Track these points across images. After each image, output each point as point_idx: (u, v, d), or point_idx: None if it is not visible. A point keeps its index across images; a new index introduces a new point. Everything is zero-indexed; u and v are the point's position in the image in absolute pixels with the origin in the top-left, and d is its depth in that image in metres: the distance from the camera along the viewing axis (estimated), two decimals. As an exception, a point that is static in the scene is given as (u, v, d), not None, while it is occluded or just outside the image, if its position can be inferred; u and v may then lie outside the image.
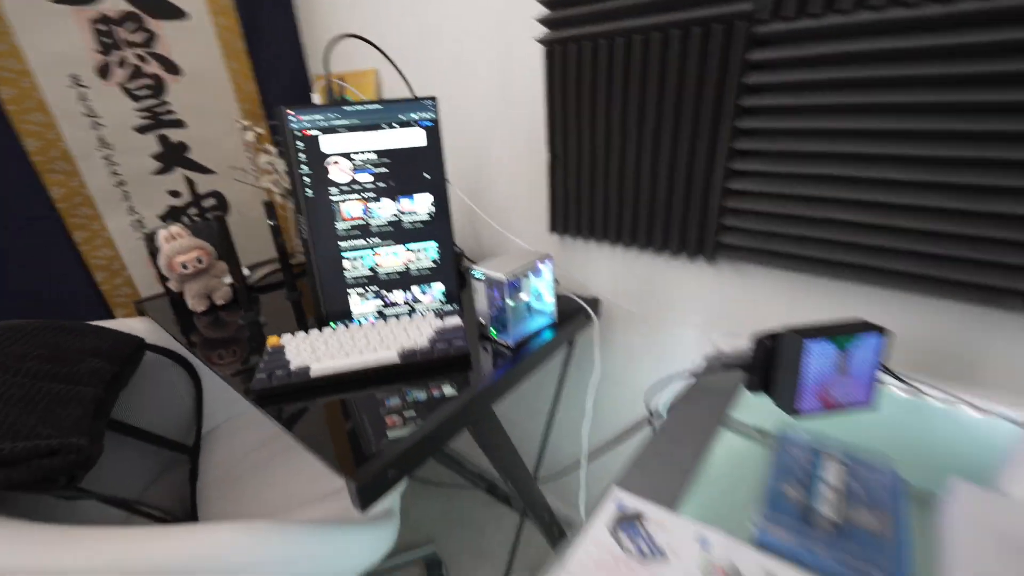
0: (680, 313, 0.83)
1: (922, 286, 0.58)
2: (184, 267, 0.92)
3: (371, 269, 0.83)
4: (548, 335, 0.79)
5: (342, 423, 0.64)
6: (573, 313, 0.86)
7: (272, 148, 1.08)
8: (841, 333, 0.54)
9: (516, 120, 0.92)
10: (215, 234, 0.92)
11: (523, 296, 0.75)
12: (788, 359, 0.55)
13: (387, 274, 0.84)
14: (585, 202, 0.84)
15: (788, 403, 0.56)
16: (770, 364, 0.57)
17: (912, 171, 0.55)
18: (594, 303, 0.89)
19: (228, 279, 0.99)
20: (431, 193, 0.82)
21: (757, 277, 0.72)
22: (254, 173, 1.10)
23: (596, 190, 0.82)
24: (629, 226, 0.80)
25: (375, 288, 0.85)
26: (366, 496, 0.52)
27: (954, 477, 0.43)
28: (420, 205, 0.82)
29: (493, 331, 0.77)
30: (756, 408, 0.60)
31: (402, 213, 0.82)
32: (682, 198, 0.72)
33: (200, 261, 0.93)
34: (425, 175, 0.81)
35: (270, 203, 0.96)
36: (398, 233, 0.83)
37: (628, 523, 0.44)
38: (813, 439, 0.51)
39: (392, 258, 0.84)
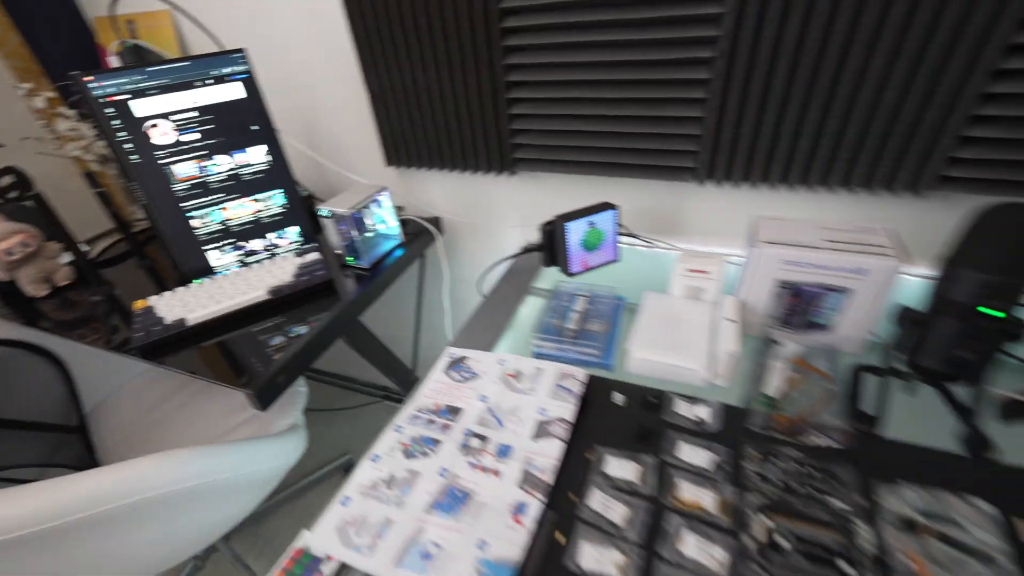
0: (501, 217, 1.03)
1: (639, 172, 0.83)
2: (9, 254, 0.88)
3: (221, 223, 0.89)
4: (398, 253, 0.95)
5: (231, 356, 0.76)
6: (419, 233, 1.02)
7: (69, 112, 1.01)
8: (589, 212, 0.78)
9: (334, 63, 0.99)
10: (36, 214, 0.89)
11: (369, 224, 0.89)
12: (560, 237, 0.78)
13: (239, 226, 0.91)
14: (409, 135, 0.97)
15: (565, 269, 0.80)
16: (552, 243, 0.80)
17: (624, 91, 0.77)
18: (436, 221, 1.05)
19: (66, 258, 0.96)
20: (264, 144, 0.88)
21: (546, 181, 0.94)
22: (55, 142, 1.02)
23: (416, 124, 0.95)
24: (448, 153, 0.96)
25: (231, 240, 0.91)
26: (264, 398, 0.67)
27: (647, 290, 0.70)
28: (255, 156, 0.88)
29: (350, 259, 0.90)
30: (550, 276, 0.84)
31: (239, 167, 0.88)
32: (480, 125, 0.89)
33: (26, 245, 0.90)
34: (253, 127, 0.86)
35: (90, 173, 0.93)
36: (240, 186, 0.89)
37: (456, 364, 0.65)
38: (572, 287, 0.76)
39: (241, 210, 0.90)
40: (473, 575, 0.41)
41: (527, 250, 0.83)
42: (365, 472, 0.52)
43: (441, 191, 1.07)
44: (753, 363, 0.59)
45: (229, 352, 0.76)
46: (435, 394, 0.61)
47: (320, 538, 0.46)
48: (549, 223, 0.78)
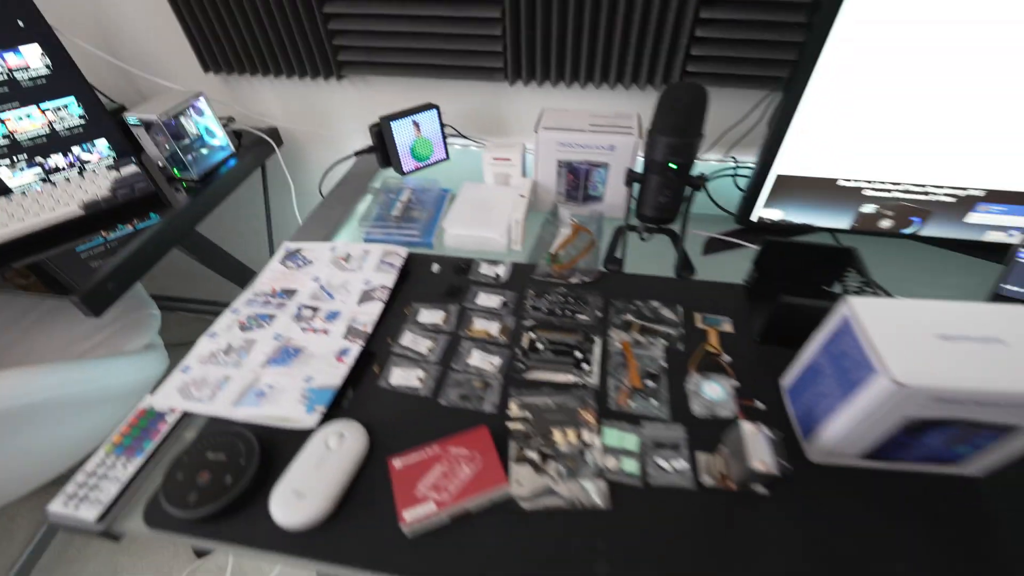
0: (340, 123, 1.05)
1: (457, 73, 0.90)
2: None
3: (5, 136, 0.80)
4: (231, 164, 0.93)
5: (51, 270, 0.73)
6: (255, 143, 1.00)
7: None
8: (412, 112, 0.84)
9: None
10: None
11: (190, 133, 0.86)
12: (389, 137, 0.83)
13: (30, 139, 0.82)
14: (224, 39, 0.92)
15: (399, 168, 0.87)
16: (383, 144, 0.86)
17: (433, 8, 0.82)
18: (273, 132, 1.04)
19: None
20: (38, 43, 0.78)
21: (376, 85, 0.97)
22: None
23: (228, 26, 0.90)
24: (269, 57, 0.93)
25: (23, 156, 0.83)
26: (93, 304, 0.67)
27: (468, 181, 0.80)
28: (31, 58, 0.78)
29: (176, 171, 0.87)
30: (387, 176, 0.90)
31: (12, 71, 0.78)
32: (297, 26, 0.88)
33: None
34: (19, 22, 0.76)
35: None
36: (19, 93, 0.79)
37: (292, 255, 0.71)
38: (400, 183, 0.83)
39: (28, 121, 0.81)
40: (299, 399, 0.51)
41: (358, 153, 0.88)
42: (203, 345, 0.58)
43: (275, 100, 1.04)
44: (543, 231, 0.73)
45: (48, 267, 0.73)
46: (271, 281, 0.67)
47: (162, 398, 0.52)
48: (376, 124, 0.83)
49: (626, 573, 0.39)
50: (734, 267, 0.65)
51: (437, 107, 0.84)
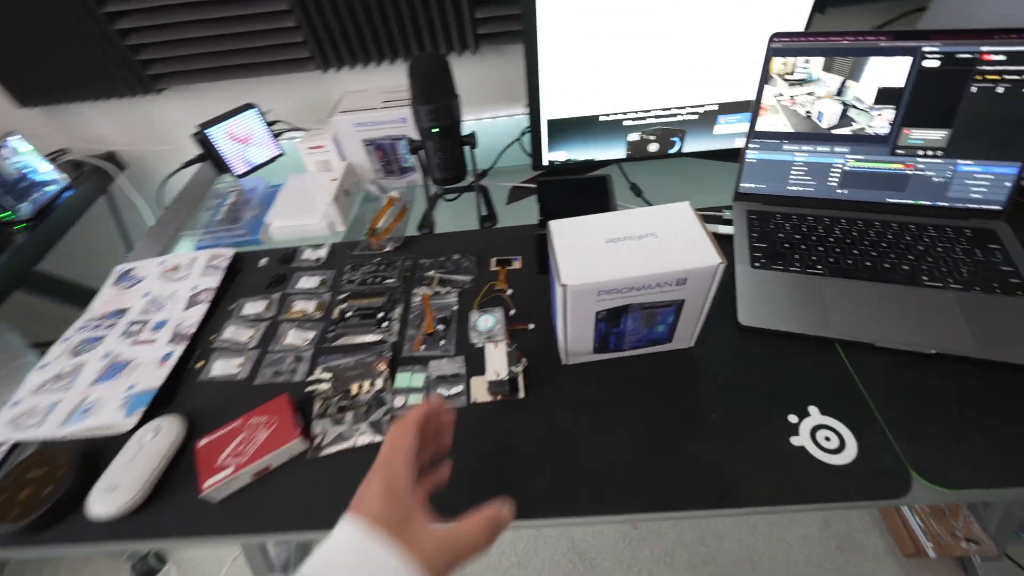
0: (173, 134, 1.04)
1: (272, 69, 0.92)
2: None
3: None
4: (68, 195, 0.93)
5: None
6: (93, 171, 0.99)
7: None
8: (229, 116, 0.86)
9: None
10: None
11: (11, 174, 0.85)
12: (208, 147, 0.85)
13: None
14: (32, 70, 0.90)
15: (232, 171, 0.89)
16: (210, 151, 0.87)
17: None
18: (111, 156, 1.03)
19: None
20: None
21: (199, 93, 0.98)
22: None
23: (32, 56, 0.88)
24: (86, 82, 0.92)
25: None
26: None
27: (294, 173, 0.83)
28: None
29: (4, 214, 0.87)
30: (222, 180, 0.92)
31: None
32: (99, 50, 0.87)
33: None
34: None
35: None
36: None
37: (123, 277, 0.74)
38: (225, 186, 0.86)
39: None
40: (120, 406, 0.56)
41: (188, 163, 0.89)
42: (33, 378, 0.61)
43: (107, 124, 1.03)
44: (363, 208, 0.78)
45: None
46: (103, 305, 0.70)
47: (-9, 433, 0.56)
48: (196, 133, 0.85)
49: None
50: (536, 211, 0.72)
51: (255, 106, 0.86)
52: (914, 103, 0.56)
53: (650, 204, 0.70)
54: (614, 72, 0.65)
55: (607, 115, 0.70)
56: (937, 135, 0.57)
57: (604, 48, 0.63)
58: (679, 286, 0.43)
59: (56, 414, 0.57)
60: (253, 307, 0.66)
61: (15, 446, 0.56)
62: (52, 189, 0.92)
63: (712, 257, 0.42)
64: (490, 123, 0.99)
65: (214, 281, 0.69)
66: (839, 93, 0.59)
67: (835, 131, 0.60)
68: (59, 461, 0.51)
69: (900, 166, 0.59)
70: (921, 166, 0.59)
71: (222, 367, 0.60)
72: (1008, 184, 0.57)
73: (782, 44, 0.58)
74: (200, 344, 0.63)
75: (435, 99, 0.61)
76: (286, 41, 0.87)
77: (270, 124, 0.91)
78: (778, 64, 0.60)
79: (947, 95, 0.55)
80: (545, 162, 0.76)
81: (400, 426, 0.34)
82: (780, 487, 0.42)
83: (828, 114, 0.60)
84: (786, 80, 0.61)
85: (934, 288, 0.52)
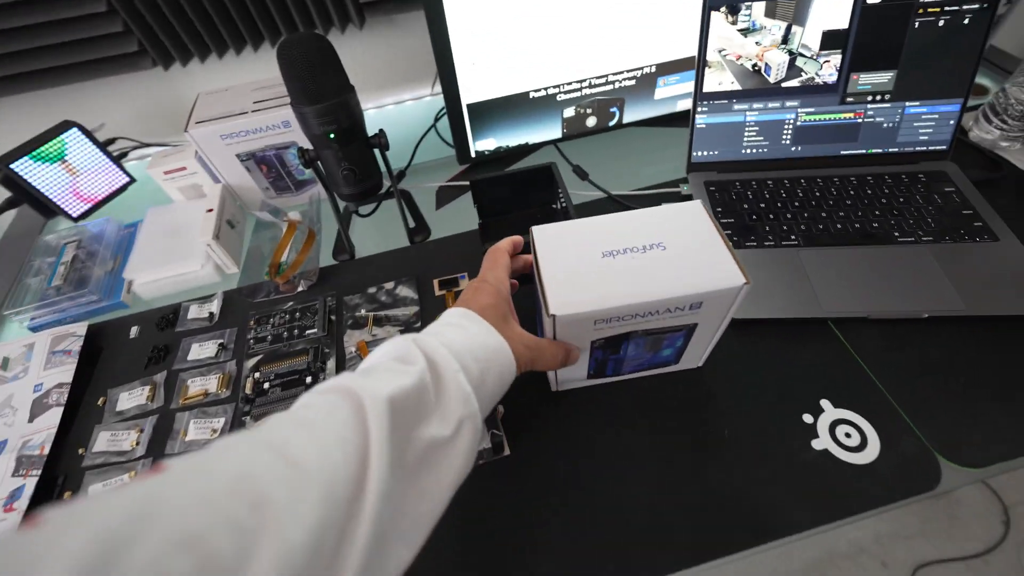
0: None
1: (95, 70, 0.70)
2: None
3: None
4: None
5: None
6: None
7: None
8: (43, 141, 0.64)
9: None
10: None
11: None
12: (18, 186, 0.63)
13: None
14: None
15: (66, 214, 0.68)
16: (26, 191, 0.66)
17: None
18: None
19: None
20: None
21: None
22: None
23: None
24: None
25: None
26: None
27: (155, 206, 0.65)
28: None
29: None
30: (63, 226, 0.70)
31: None
32: None
33: None
34: None
35: None
36: None
37: None
38: (56, 237, 0.65)
39: None
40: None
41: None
42: None
43: None
44: (256, 239, 0.63)
45: None
46: None
47: None
48: (-4, 171, 0.63)
49: None
50: (473, 212, 0.62)
51: (75, 124, 0.65)
52: (860, 45, 0.53)
53: (599, 187, 0.62)
54: (538, 40, 0.55)
55: (537, 91, 0.60)
56: (884, 77, 0.54)
57: (523, 10, 0.52)
58: (692, 310, 0.35)
59: None
60: (131, 398, 0.50)
61: None
62: None
63: (735, 276, 0.34)
64: (394, 110, 0.84)
65: (66, 373, 0.52)
66: (784, 41, 0.54)
67: (784, 84, 0.56)
68: None
69: (851, 115, 0.56)
70: (871, 113, 0.56)
71: (102, 492, 0.45)
72: (952, 122, 0.55)
73: (722, -9, 0.51)
74: (63, 466, 0.47)
75: (323, 96, 0.47)
76: (103, 32, 0.65)
77: (107, 143, 0.71)
78: (719, 17, 0.53)
79: (891, 33, 0.52)
80: (473, 153, 0.65)
81: (496, 249, 0.40)
82: (816, 504, 0.37)
83: (775, 66, 0.55)
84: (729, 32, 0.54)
85: (908, 244, 0.50)
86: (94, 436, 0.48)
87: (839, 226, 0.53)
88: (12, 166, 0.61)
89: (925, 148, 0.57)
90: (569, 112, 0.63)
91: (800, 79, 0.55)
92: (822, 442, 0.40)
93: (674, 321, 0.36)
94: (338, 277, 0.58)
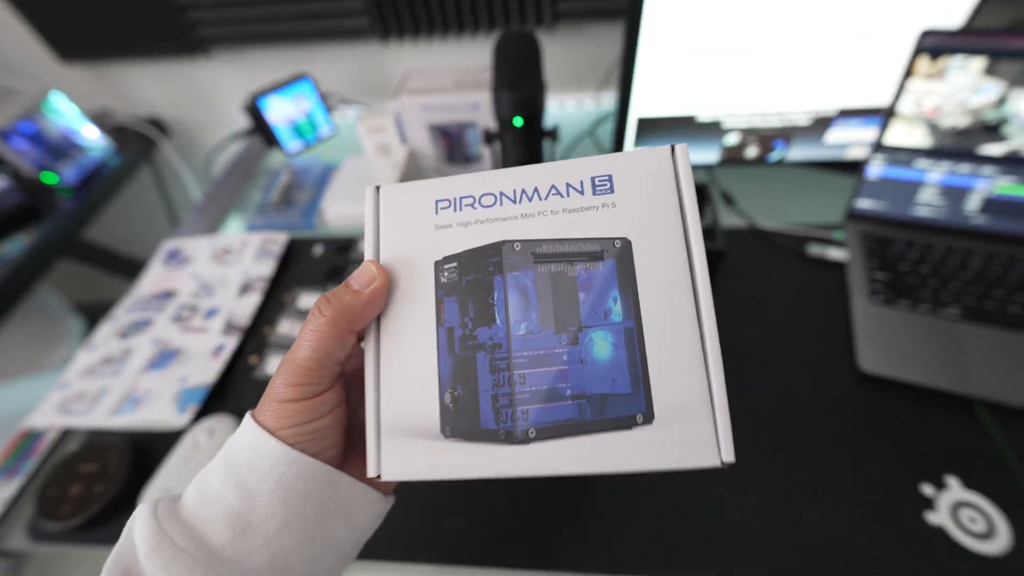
0: (220, 102, 0.99)
1: (326, 37, 0.85)
2: None
3: None
4: (114, 163, 0.89)
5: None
6: (138, 136, 0.95)
7: None
8: (283, 85, 0.80)
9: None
10: None
11: (55, 135, 0.82)
12: (258, 118, 0.80)
13: None
14: (75, 21, 0.85)
15: (282, 147, 0.84)
16: (261, 124, 0.82)
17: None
18: (156, 122, 0.99)
19: None
20: None
21: (247, 58, 0.92)
22: None
23: (76, 6, 0.83)
24: (132, 39, 0.87)
25: None
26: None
27: (351, 154, 0.78)
28: None
29: (48, 178, 0.84)
30: (273, 157, 0.87)
31: None
32: (147, 3, 0.81)
33: None
34: None
35: None
36: None
37: (172, 255, 0.70)
38: (279, 164, 0.81)
39: None
40: (172, 401, 0.52)
41: (237, 136, 0.84)
42: (81, 359, 0.59)
43: (153, 86, 0.98)
44: (425, 198, 0.73)
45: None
46: (151, 285, 0.67)
47: (40, 417, 0.54)
48: (246, 102, 0.80)
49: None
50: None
51: (309, 76, 0.80)
52: (1089, 124, 0.48)
53: (745, 214, 0.63)
54: (723, 66, 0.58)
55: (706, 117, 0.62)
56: (1112, 164, 0.49)
57: (723, 35, 0.55)
58: (601, 193, 0.22)
59: (105, 402, 0.54)
60: (309, 300, 0.62)
61: (64, 433, 0.53)
62: (96, 155, 0.89)
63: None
64: (556, 110, 0.91)
65: (267, 268, 0.65)
66: (999, 104, 0.51)
67: (986, 149, 0.52)
68: (110, 457, 0.48)
69: (1058, 196, 0.51)
70: (1085, 198, 0.51)
71: (278, 365, 0.56)
72: None
73: (936, 41, 0.50)
74: (254, 337, 0.59)
75: (522, 87, 0.54)
76: (344, 5, 0.80)
77: (323, 97, 0.86)
78: (924, 66, 0.52)
79: None
80: (627, 160, 0.69)
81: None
82: (918, 574, 0.36)
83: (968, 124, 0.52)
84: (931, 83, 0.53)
85: (1098, 346, 0.45)
86: (279, 321, 0.60)
87: (1010, 311, 0.48)
88: (258, 101, 0.78)
89: None
90: (731, 140, 0.64)
91: (1005, 146, 0.51)
92: (939, 518, 0.38)
93: (577, 223, 0.22)
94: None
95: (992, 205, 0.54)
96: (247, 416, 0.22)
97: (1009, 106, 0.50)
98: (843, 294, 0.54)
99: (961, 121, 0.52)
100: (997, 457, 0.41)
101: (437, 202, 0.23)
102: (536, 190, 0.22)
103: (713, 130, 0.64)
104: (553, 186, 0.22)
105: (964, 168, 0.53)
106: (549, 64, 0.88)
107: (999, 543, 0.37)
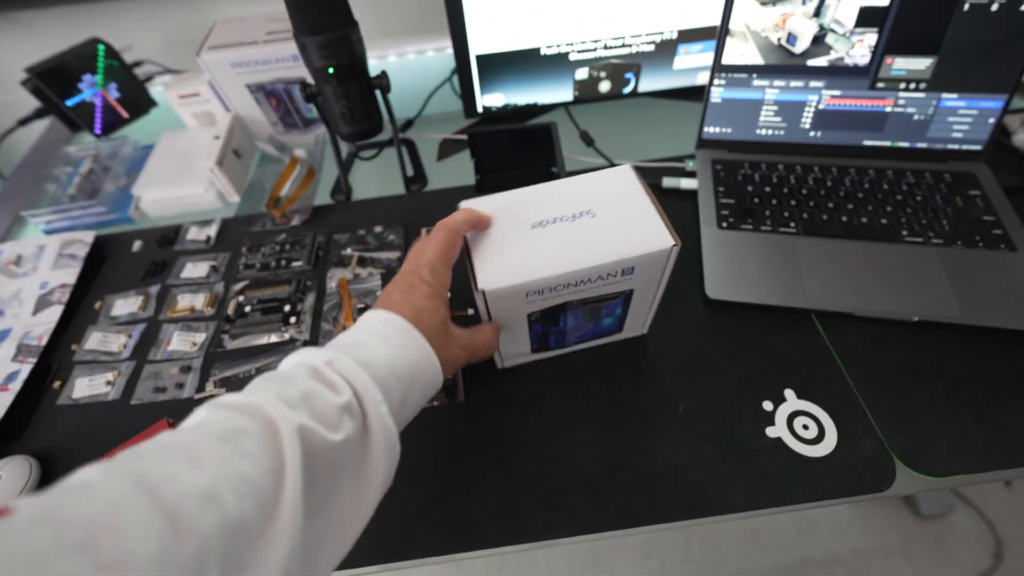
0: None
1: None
2: None
3: None
4: None
5: None
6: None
7: None
8: (68, 56, 0.66)
9: None
10: None
11: None
12: (48, 97, 0.66)
13: None
14: None
15: (89, 128, 0.71)
16: (51, 102, 0.68)
17: None
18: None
19: None
20: None
21: (27, 23, 0.76)
22: None
23: None
24: None
25: None
26: None
27: (169, 130, 0.67)
28: None
29: None
30: (87, 140, 0.73)
31: None
32: None
33: None
34: None
35: None
36: None
37: None
38: (77, 150, 0.68)
39: None
40: (-56, 452, 0.43)
41: (24, 121, 0.70)
42: None
43: None
44: (259, 172, 0.64)
45: None
46: None
47: None
48: (27, 80, 0.66)
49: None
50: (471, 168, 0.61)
51: (102, 41, 0.67)
52: (899, 25, 0.48)
53: (604, 155, 0.60)
54: (555, -9, 0.53)
55: (550, 47, 0.58)
56: (922, 64, 0.50)
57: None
58: (625, 276, 0.35)
59: None
60: (125, 305, 0.53)
61: None
62: None
63: (664, 238, 0.33)
64: (415, 60, 0.84)
65: (70, 275, 0.55)
66: (817, 13, 0.50)
67: (811, 62, 0.52)
68: None
69: (879, 102, 0.52)
70: (902, 102, 0.52)
71: (87, 386, 0.48)
72: (992, 120, 0.51)
73: (754, -49, 0.48)
74: (56, 358, 0.50)
75: (324, 28, 0.47)
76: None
77: (132, 66, 0.73)
78: (747, -22, 0.50)
79: (936, 14, 0.48)
80: (480, 108, 0.64)
81: (450, 229, 0.33)
82: (755, 489, 0.36)
83: (802, 37, 0.51)
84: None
85: (915, 244, 0.47)
86: (87, 335, 0.51)
87: (844, 219, 0.50)
88: (42, 74, 0.64)
89: (957, 147, 0.53)
90: (582, 74, 0.61)
91: (828, 57, 0.51)
92: (777, 430, 0.39)
93: (609, 288, 0.36)
94: (332, 216, 0.59)
95: (823, 118, 0.54)
96: (414, 332, 0.31)
97: (826, 15, 0.50)
98: (695, 224, 0.53)
99: (786, 32, 0.52)
100: (832, 365, 0.42)
101: (527, 293, 0.34)
102: (589, 280, 0.34)
103: (561, 63, 0.60)
104: (599, 276, 0.34)
105: (797, 83, 0.53)
106: (389, 7, 0.80)
107: (827, 445, 0.38)
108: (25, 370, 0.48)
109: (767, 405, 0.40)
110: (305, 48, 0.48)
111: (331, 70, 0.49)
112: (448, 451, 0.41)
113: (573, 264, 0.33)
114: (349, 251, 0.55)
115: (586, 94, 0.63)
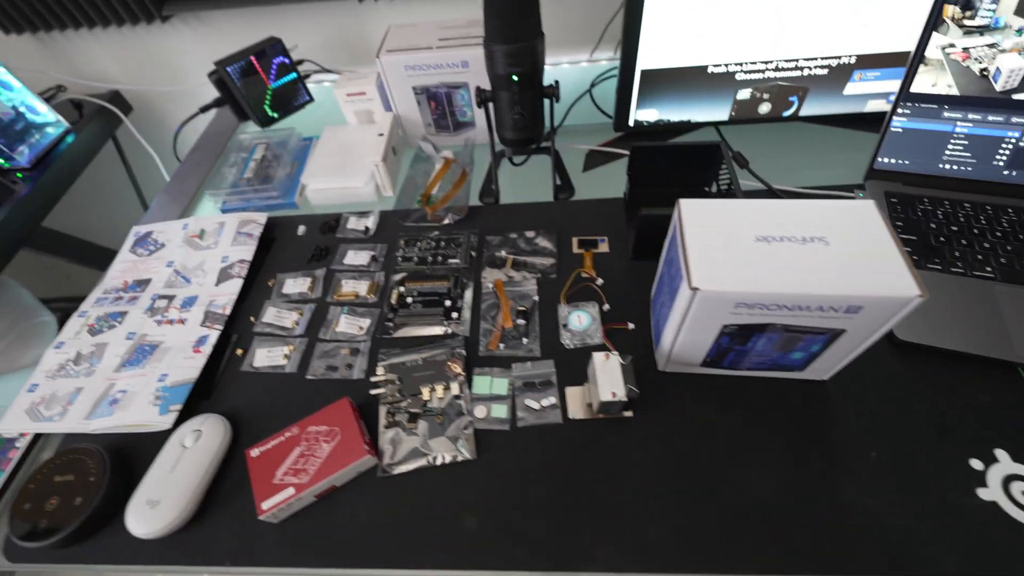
0: (184, 72, 0.91)
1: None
2: None
3: None
4: (69, 140, 0.82)
5: None
6: (97, 112, 0.87)
7: None
8: (252, 51, 0.73)
9: None
10: None
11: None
12: (232, 84, 0.73)
13: None
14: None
15: (255, 119, 0.77)
16: (230, 94, 0.75)
17: None
18: (115, 96, 0.90)
19: None
20: None
21: (211, 21, 0.84)
22: None
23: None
24: (81, 4, 0.78)
25: None
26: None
27: (330, 124, 0.71)
28: None
29: (2, 160, 0.77)
30: (245, 130, 0.80)
31: None
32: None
33: None
34: None
35: None
36: None
37: (142, 240, 0.64)
38: (251, 137, 0.74)
39: None
40: (153, 401, 0.48)
41: (205, 108, 0.77)
42: (49, 359, 0.54)
43: (108, 57, 0.90)
44: (413, 170, 0.67)
45: None
46: (121, 273, 0.61)
47: (9, 423, 0.49)
48: (213, 71, 0.72)
49: (491, 520, 0.40)
50: (618, 180, 0.61)
51: (279, 40, 0.73)
52: None
53: (760, 178, 0.59)
54: (733, 10, 0.52)
55: (718, 66, 0.57)
56: None
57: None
58: (847, 314, 0.33)
59: (79, 405, 0.50)
60: (295, 285, 0.57)
61: (36, 439, 0.49)
62: (51, 133, 0.81)
63: (908, 286, 0.31)
64: (550, 71, 0.85)
65: (247, 252, 0.60)
66: (1033, 47, 0.47)
67: (1016, 96, 0.48)
68: (88, 465, 0.44)
69: (1097, 145, 0.48)
70: (1126, 146, 0.48)
71: (266, 356, 0.52)
72: None
73: (974, -21, 0.45)
74: (238, 327, 0.55)
75: (518, 37, 0.49)
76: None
77: (297, 64, 0.78)
78: (952, 8, 0.47)
79: None
80: (631, 122, 0.64)
81: None
82: (971, 555, 0.34)
83: (1007, 71, 0.48)
84: (961, 27, 0.48)
85: None
86: (264, 309, 0.56)
87: (1050, 268, 0.46)
88: (229, 67, 0.71)
89: None
90: (744, 94, 0.60)
91: (1040, 93, 0.48)
92: (991, 493, 0.36)
93: (821, 322, 0.34)
94: (482, 218, 0.61)
95: (1022, 157, 0.50)
96: None
97: (1050, 46, 0.46)
98: (868, 257, 0.50)
99: (992, 66, 0.48)
100: (1041, 424, 0.39)
101: (738, 304, 0.34)
102: (807, 307, 0.33)
103: (725, 82, 0.59)
104: (819, 307, 0.33)
105: (996, 118, 0.50)
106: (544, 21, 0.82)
107: (1050, 515, 0.35)
108: (213, 336, 0.53)
109: (975, 464, 0.38)
110: (493, 55, 0.50)
111: (515, 77, 0.51)
112: (620, 466, 0.41)
113: (799, 287, 0.32)
114: (503, 253, 0.57)
115: (743, 114, 0.62)
